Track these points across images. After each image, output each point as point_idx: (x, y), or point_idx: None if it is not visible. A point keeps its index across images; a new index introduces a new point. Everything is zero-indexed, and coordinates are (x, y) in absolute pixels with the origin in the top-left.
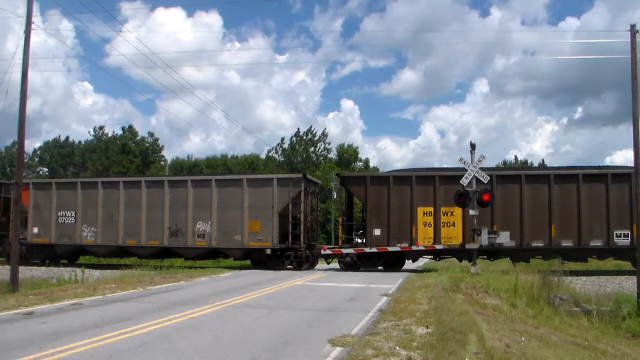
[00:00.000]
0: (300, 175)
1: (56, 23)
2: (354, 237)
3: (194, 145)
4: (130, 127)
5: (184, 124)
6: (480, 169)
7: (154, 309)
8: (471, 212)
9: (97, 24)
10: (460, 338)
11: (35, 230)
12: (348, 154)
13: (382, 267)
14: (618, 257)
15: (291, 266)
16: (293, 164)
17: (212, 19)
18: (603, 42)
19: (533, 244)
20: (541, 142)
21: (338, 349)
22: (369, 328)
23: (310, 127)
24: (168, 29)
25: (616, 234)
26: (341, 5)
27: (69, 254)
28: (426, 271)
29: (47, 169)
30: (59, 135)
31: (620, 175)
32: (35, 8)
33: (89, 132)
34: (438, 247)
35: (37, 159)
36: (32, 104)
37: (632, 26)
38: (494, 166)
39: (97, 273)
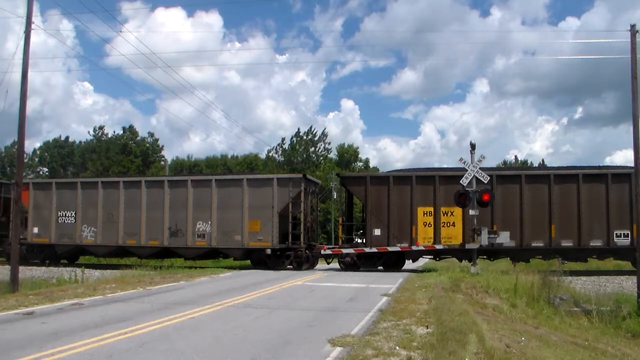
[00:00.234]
0: (300, 175)
1: (56, 23)
2: (354, 237)
3: (194, 145)
4: (131, 127)
5: (184, 124)
6: (480, 169)
7: (154, 309)
8: (471, 212)
9: (97, 24)
10: (460, 338)
11: (35, 230)
12: (348, 154)
13: (382, 267)
14: (618, 257)
15: (291, 266)
16: (293, 164)
17: (212, 19)
18: (603, 42)
19: (533, 244)
20: (541, 142)
21: (338, 349)
22: (369, 328)
23: (311, 127)
24: (168, 29)
25: (616, 234)
26: (341, 5)
27: (69, 254)
28: (426, 271)
29: (47, 169)
30: (60, 136)
31: (620, 175)
32: (35, 8)
33: (89, 132)
34: (438, 247)
35: (37, 159)
36: (32, 104)
37: (632, 26)
38: (494, 166)
39: (97, 273)
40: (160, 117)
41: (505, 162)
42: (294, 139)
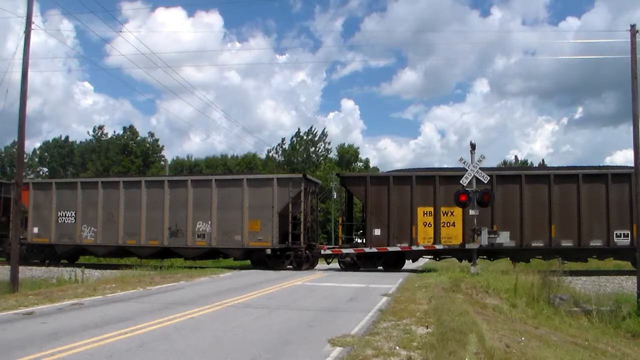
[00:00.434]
0: (300, 175)
1: (56, 23)
2: (354, 237)
3: (194, 145)
4: (131, 127)
5: (184, 124)
6: (480, 169)
7: (154, 309)
8: (471, 212)
9: (97, 24)
10: (460, 338)
11: (35, 230)
12: (348, 154)
13: (382, 267)
14: (618, 257)
15: (291, 266)
16: (293, 164)
17: (213, 19)
18: (603, 42)
19: (533, 244)
20: (541, 142)
21: (338, 349)
22: (369, 328)
23: (311, 128)
24: (168, 29)
25: (616, 234)
26: (342, 5)
27: (69, 254)
28: (426, 271)
29: (47, 169)
30: (60, 136)
31: (620, 175)
32: (36, 8)
33: (88, 132)
34: (438, 247)
35: (37, 159)
36: (32, 104)
37: (632, 26)
38: (494, 166)
39: (97, 273)
40: (161, 117)
41: (505, 162)
42: (294, 139)
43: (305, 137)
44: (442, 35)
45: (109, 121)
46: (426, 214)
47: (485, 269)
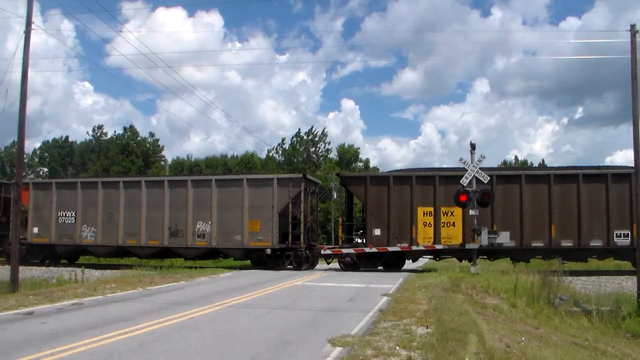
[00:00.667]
0: (300, 175)
1: (57, 23)
2: (354, 237)
3: (194, 145)
4: (132, 127)
5: (184, 124)
6: (481, 169)
7: (154, 309)
8: (471, 212)
9: (97, 24)
10: (461, 338)
11: (35, 230)
12: (349, 154)
13: (382, 267)
14: (618, 257)
15: (291, 266)
16: (293, 164)
17: (213, 19)
18: (604, 42)
19: (533, 244)
20: (541, 142)
21: (338, 349)
22: (369, 328)
23: (311, 128)
24: (169, 29)
25: (616, 234)
26: (342, 5)
27: (69, 254)
28: (426, 271)
29: (47, 169)
30: (61, 136)
31: (620, 175)
32: (36, 8)
33: (88, 132)
34: (438, 247)
35: (37, 159)
36: (32, 104)
37: (632, 26)
38: (495, 166)
39: (97, 273)
40: (161, 117)
41: (505, 162)
42: (294, 139)
43: (305, 137)
44: (443, 35)
45: (109, 121)
46: (426, 214)
47: (485, 269)
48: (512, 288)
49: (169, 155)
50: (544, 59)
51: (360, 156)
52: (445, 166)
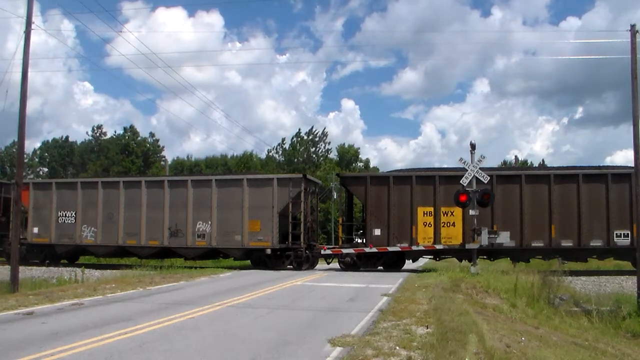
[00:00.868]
0: (300, 175)
1: (57, 23)
2: (354, 237)
3: (195, 145)
4: (132, 127)
5: (184, 124)
6: (481, 169)
7: (154, 309)
8: (471, 212)
9: (97, 24)
10: (461, 338)
11: (35, 230)
12: (349, 155)
13: (382, 267)
14: (618, 257)
15: (291, 266)
16: (294, 164)
17: (213, 19)
18: (604, 42)
19: (533, 244)
20: (541, 142)
21: (338, 349)
22: (369, 328)
23: (312, 128)
24: (169, 29)
25: (616, 234)
26: (342, 5)
27: (69, 254)
28: (426, 271)
29: (47, 169)
30: (61, 136)
31: (620, 175)
32: (36, 8)
33: (87, 132)
34: (438, 247)
35: (37, 159)
36: (32, 104)
37: (632, 26)
38: (495, 166)
39: (97, 273)
40: (161, 117)
41: (505, 162)
42: (295, 139)
43: (305, 137)
44: (443, 35)
45: (109, 121)
46: (426, 214)
47: (485, 269)
48: (512, 288)
49: (169, 155)
50: (544, 59)
51: (360, 156)
52: (445, 166)
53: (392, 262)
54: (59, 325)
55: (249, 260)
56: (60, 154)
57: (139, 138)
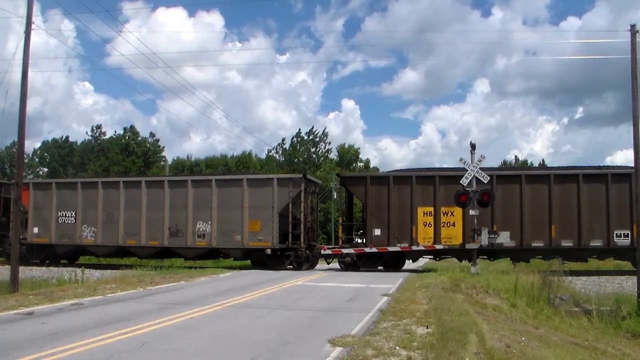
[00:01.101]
0: (300, 175)
1: (57, 23)
2: (354, 237)
3: (195, 145)
4: (132, 127)
5: (184, 124)
6: (481, 169)
7: (154, 309)
8: (471, 212)
9: (97, 24)
10: (461, 338)
11: (35, 230)
12: (349, 155)
13: (382, 267)
14: (618, 257)
15: (291, 266)
16: (294, 164)
17: (214, 19)
18: (604, 42)
19: (533, 244)
20: (542, 142)
21: (338, 349)
22: (369, 328)
23: (312, 128)
24: (169, 29)
25: (616, 234)
26: (342, 5)
27: (69, 254)
28: (426, 271)
29: (47, 169)
30: (62, 136)
31: (620, 175)
32: (36, 8)
33: (87, 132)
34: (438, 247)
35: (37, 159)
36: (32, 104)
37: (632, 26)
38: (495, 166)
39: (97, 273)
40: (161, 117)
41: (505, 162)
42: (295, 139)
43: (306, 137)
44: (443, 35)
45: (109, 121)
46: (426, 214)
47: (485, 269)
48: (512, 288)
49: (169, 155)
50: (544, 59)
51: (360, 156)
52: (446, 166)
53: (392, 262)
54: (59, 325)
55: (249, 260)
56: (60, 154)
57: (139, 138)
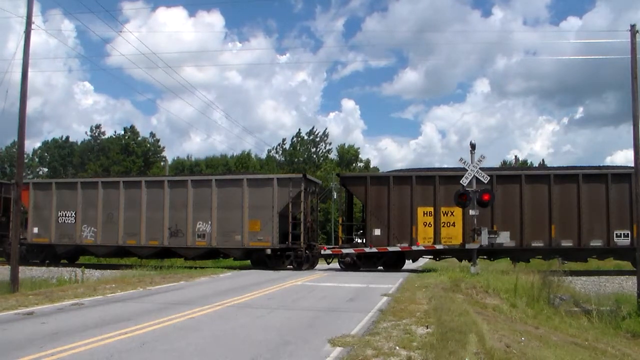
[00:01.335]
0: (300, 175)
1: (57, 23)
2: (354, 237)
3: (195, 145)
4: (132, 127)
5: (184, 124)
6: (481, 169)
7: (154, 309)
8: (471, 212)
9: (97, 24)
10: (461, 338)
11: (35, 230)
12: (349, 155)
13: (382, 267)
14: (618, 257)
15: (291, 266)
16: (294, 164)
17: (214, 19)
18: (604, 42)
19: (533, 244)
20: (542, 142)
21: (338, 349)
22: (369, 328)
23: (313, 128)
24: (169, 29)
25: (616, 234)
26: (343, 5)
27: (69, 254)
28: (426, 271)
29: (47, 169)
30: (61, 136)
31: (620, 175)
32: (36, 8)
33: (86, 132)
34: (438, 247)
35: (37, 159)
36: (32, 104)
37: (632, 26)
38: (495, 166)
39: (97, 273)
40: (161, 117)
41: (505, 162)
42: (295, 139)
43: (306, 138)
44: (443, 35)
45: (110, 121)
46: (426, 214)
47: (485, 269)
48: (512, 288)
49: (169, 155)
50: (544, 59)
51: (360, 156)
52: (446, 166)
53: (392, 262)
54: (59, 325)
55: (249, 260)
56: (60, 154)
57: (139, 138)
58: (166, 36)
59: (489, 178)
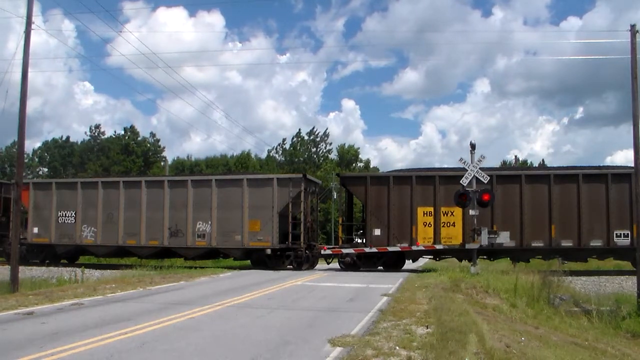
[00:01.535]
0: (300, 175)
1: (57, 23)
2: (354, 237)
3: (195, 145)
4: (132, 127)
5: (184, 124)
6: (481, 169)
7: (154, 309)
8: (471, 212)
9: (98, 24)
10: (461, 338)
11: (35, 230)
12: (349, 155)
13: (382, 267)
14: (618, 257)
15: (291, 266)
16: (294, 164)
17: (214, 19)
18: (604, 42)
19: (533, 244)
20: (542, 142)
21: (338, 349)
22: (369, 328)
23: (313, 128)
24: (170, 29)
25: (616, 234)
26: (343, 5)
27: (69, 254)
28: (426, 271)
29: (47, 169)
30: (61, 136)
31: (620, 175)
32: (36, 8)
33: (86, 132)
34: (438, 247)
35: (37, 159)
36: (32, 104)
37: (632, 26)
38: (495, 166)
39: (97, 273)
40: (161, 117)
41: (505, 162)
42: (295, 139)
43: (307, 138)
44: (444, 35)
45: (110, 121)
46: (426, 214)
47: (485, 269)
48: (512, 288)
49: (170, 155)
50: (544, 59)
51: (360, 156)
52: (446, 166)
53: (392, 262)
54: (59, 325)
55: (249, 260)
56: (60, 154)
57: (139, 138)
58: (166, 36)
59: (489, 178)
